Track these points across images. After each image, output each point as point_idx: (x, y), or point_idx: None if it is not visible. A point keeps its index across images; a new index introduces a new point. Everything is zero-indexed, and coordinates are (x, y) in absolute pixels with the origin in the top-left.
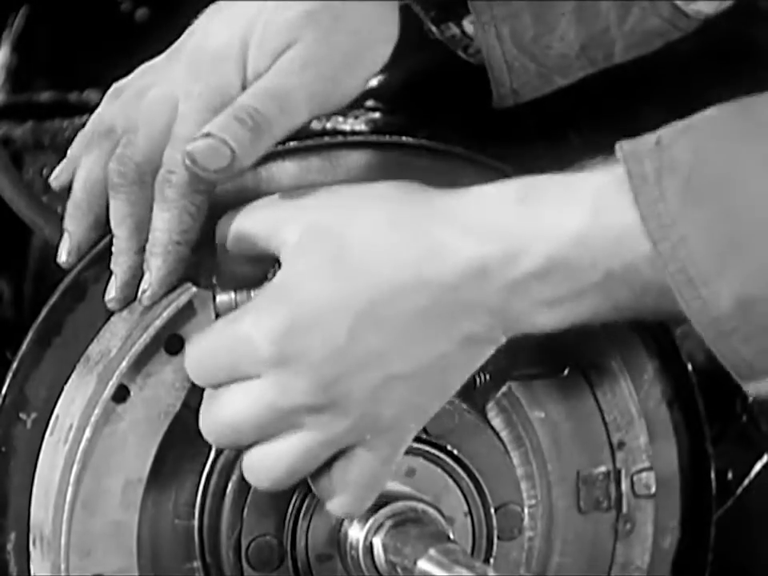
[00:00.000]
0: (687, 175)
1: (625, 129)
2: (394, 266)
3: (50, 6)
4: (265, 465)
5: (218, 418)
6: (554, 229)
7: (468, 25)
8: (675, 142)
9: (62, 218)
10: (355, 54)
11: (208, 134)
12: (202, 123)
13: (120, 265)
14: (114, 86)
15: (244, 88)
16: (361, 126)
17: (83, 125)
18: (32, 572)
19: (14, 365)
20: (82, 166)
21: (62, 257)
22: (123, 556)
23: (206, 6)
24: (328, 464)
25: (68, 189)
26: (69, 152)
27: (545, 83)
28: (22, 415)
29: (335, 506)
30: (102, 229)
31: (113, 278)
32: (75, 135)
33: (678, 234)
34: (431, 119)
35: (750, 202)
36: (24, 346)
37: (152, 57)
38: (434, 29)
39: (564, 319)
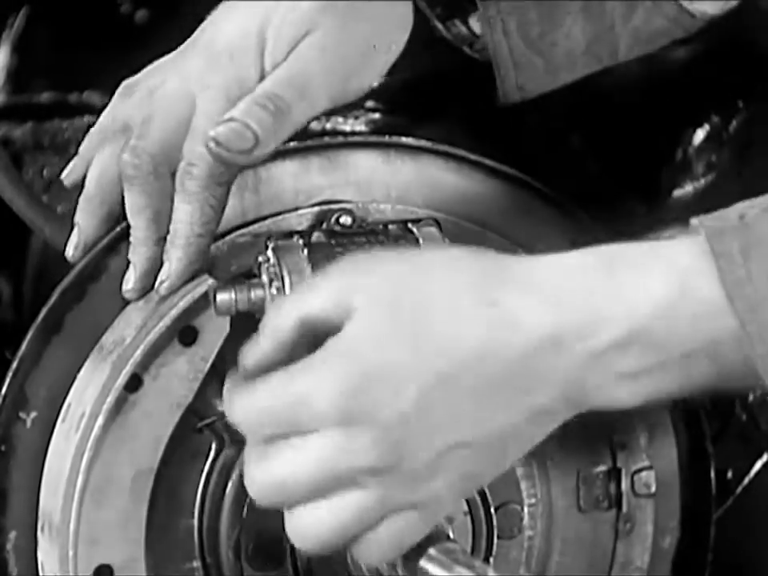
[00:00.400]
0: None
1: (625, 133)
2: (466, 333)
3: (50, 7)
4: (313, 525)
5: (270, 473)
6: (636, 300)
7: (474, 22)
8: (760, 220)
9: (67, 216)
10: (371, 42)
11: (231, 119)
12: (221, 115)
13: (139, 255)
14: (125, 83)
15: (262, 79)
16: (361, 127)
17: (84, 125)
18: (39, 559)
19: (14, 364)
20: (95, 161)
21: (69, 251)
22: (131, 546)
23: (206, 6)
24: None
25: (80, 185)
26: (80, 149)
27: (551, 80)
28: (22, 414)
29: (366, 557)
30: (111, 226)
31: (131, 268)
32: (75, 136)
33: (767, 315)
34: (431, 119)
35: None
36: (24, 346)
37: (152, 58)
38: (439, 26)
39: (642, 395)
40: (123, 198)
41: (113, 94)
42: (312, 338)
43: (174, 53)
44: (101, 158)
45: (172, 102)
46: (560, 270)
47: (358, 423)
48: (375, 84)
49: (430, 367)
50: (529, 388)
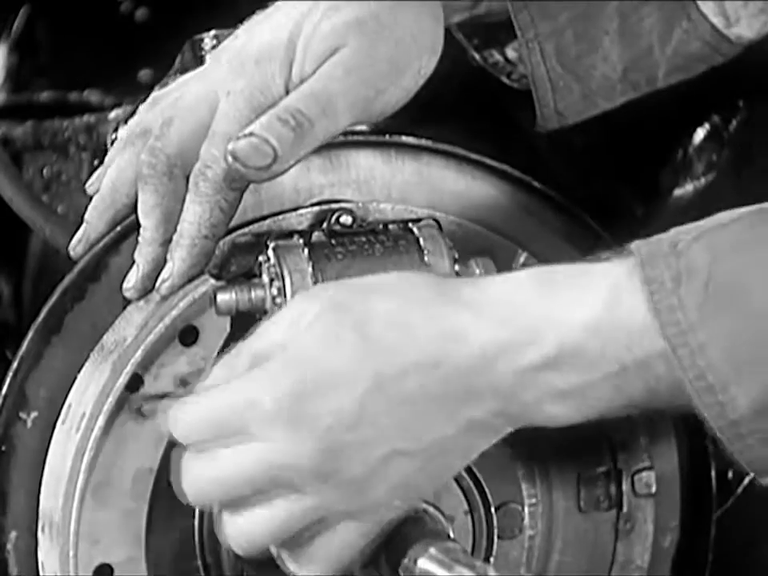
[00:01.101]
0: (705, 282)
1: (626, 132)
2: (407, 345)
3: (50, 6)
4: (247, 526)
5: (207, 472)
6: (567, 317)
7: (511, 52)
8: (692, 247)
9: (67, 216)
10: (399, 63)
11: (251, 134)
12: (242, 121)
13: (144, 255)
14: (154, 94)
15: (287, 90)
16: (361, 126)
17: (84, 124)
18: (39, 559)
19: (14, 364)
20: (114, 163)
21: (72, 244)
22: (131, 545)
23: (206, 6)
24: (304, 532)
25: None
26: (106, 159)
27: (589, 105)
28: (22, 414)
29: (305, 569)
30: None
31: (135, 267)
32: (75, 135)
33: (697, 342)
34: (432, 119)
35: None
36: (24, 346)
37: (152, 57)
38: (476, 55)
39: (575, 412)
40: (136, 200)
41: (113, 92)
42: None
43: (204, 65)
44: (119, 161)
45: (193, 105)
46: (499, 287)
47: (299, 426)
48: (401, 105)
49: (371, 374)
50: (464, 400)
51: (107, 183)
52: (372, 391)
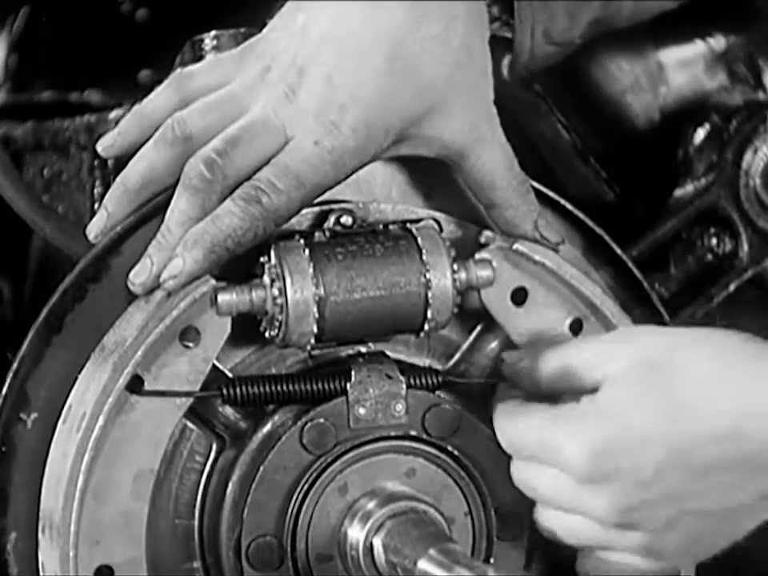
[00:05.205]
0: None
1: (626, 136)
2: (716, 416)
3: (50, 6)
4: (554, 525)
5: (523, 479)
6: None
7: None
8: None
9: (67, 216)
10: None
11: None
12: (320, 173)
13: (161, 256)
14: (178, 73)
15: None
16: None
17: (84, 124)
18: (39, 560)
19: (15, 365)
20: (146, 156)
21: (94, 233)
22: (132, 546)
23: (205, 7)
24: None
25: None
26: (121, 125)
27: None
28: (23, 415)
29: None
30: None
31: (148, 264)
32: (76, 135)
33: None
34: None
35: None
36: (24, 346)
37: (152, 57)
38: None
39: None
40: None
41: (113, 93)
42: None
43: (234, 52)
44: (153, 157)
45: (260, 133)
46: None
47: (599, 483)
48: None
49: (675, 439)
50: (765, 473)
51: (137, 176)
52: (672, 457)
